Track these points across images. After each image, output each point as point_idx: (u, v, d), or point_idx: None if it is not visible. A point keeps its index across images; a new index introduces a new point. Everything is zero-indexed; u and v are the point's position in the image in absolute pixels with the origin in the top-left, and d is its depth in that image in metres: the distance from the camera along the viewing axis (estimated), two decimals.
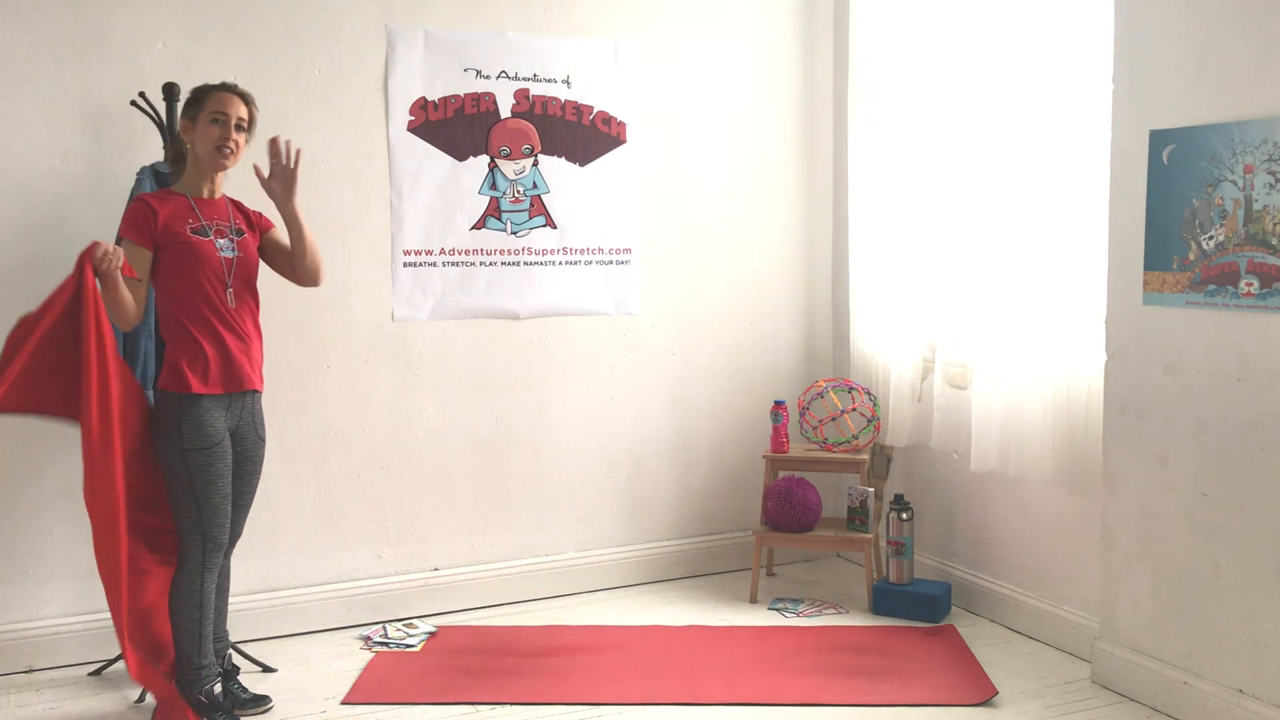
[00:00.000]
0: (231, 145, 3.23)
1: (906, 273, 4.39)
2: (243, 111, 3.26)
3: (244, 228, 3.35)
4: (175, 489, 3.20)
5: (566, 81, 4.39)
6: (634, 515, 4.65)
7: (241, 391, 3.28)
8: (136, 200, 3.23)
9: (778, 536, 4.38)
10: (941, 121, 4.20)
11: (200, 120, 3.21)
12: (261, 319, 3.97)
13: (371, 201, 4.11)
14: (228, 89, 3.27)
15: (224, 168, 3.26)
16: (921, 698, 3.40)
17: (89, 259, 3.01)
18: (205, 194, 3.29)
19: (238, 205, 3.42)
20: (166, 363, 3.23)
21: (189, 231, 3.20)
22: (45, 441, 3.69)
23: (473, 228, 4.28)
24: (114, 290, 3.06)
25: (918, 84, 4.31)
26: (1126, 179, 3.36)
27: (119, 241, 3.18)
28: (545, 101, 4.36)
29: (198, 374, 3.18)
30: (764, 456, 4.55)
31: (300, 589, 4.07)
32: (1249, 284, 3.00)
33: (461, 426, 4.31)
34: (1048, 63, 3.71)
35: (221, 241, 3.25)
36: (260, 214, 3.46)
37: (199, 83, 3.32)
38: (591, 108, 4.44)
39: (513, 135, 4.32)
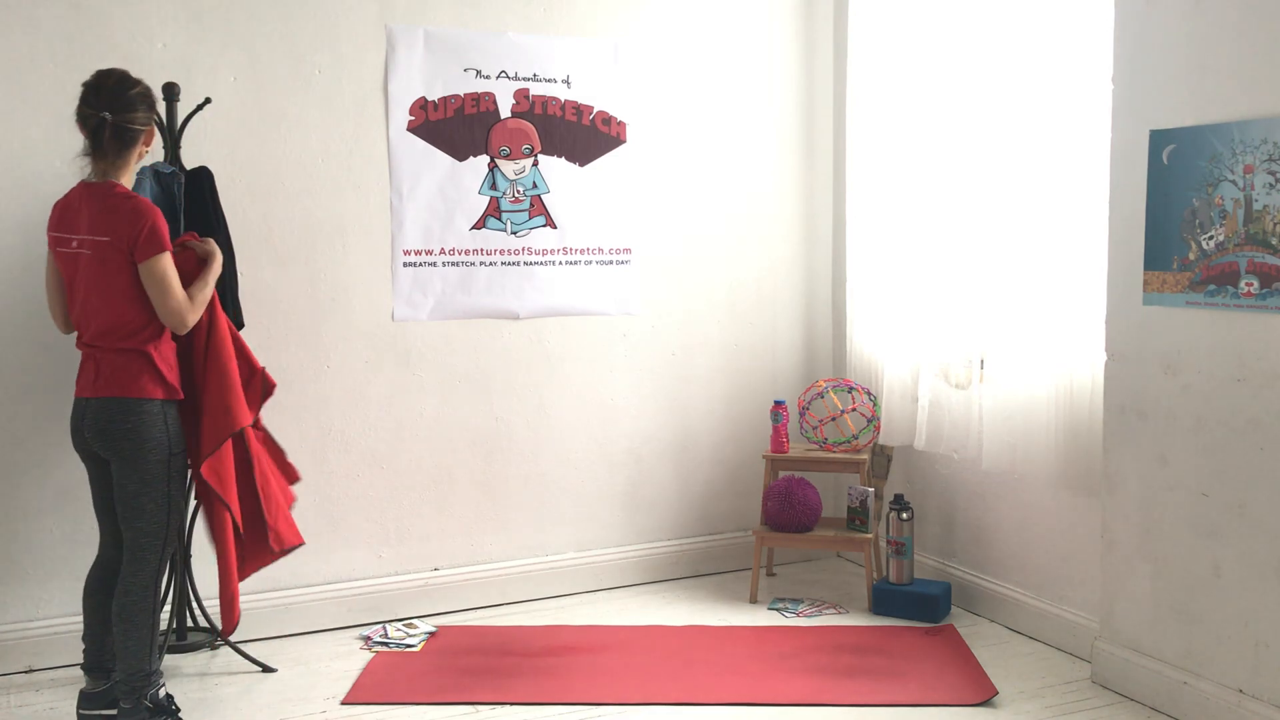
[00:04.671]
0: None
1: (905, 273, 4.39)
2: None
3: None
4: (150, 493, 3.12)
5: (566, 81, 4.39)
6: (634, 515, 4.65)
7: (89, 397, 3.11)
8: (156, 212, 3.06)
9: (778, 536, 4.38)
10: (941, 121, 4.19)
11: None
12: (262, 318, 3.98)
13: (371, 201, 4.11)
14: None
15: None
16: (921, 698, 3.40)
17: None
18: None
19: None
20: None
21: None
22: (45, 441, 3.69)
23: (473, 228, 4.28)
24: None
25: (917, 84, 4.30)
26: (1126, 179, 3.36)
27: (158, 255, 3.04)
28: (545, 101, 4.36)
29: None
30: (764, 456, 4.54)
31: (300, 589, 4.06)
32: (1249, 284, 3.00)
33: (461, 427, 4.31)
34: (1047, 62, 3.71)
35: None
36: None
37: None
38: (591, 108, 4.44)
39: (513, 135, 4.31)
